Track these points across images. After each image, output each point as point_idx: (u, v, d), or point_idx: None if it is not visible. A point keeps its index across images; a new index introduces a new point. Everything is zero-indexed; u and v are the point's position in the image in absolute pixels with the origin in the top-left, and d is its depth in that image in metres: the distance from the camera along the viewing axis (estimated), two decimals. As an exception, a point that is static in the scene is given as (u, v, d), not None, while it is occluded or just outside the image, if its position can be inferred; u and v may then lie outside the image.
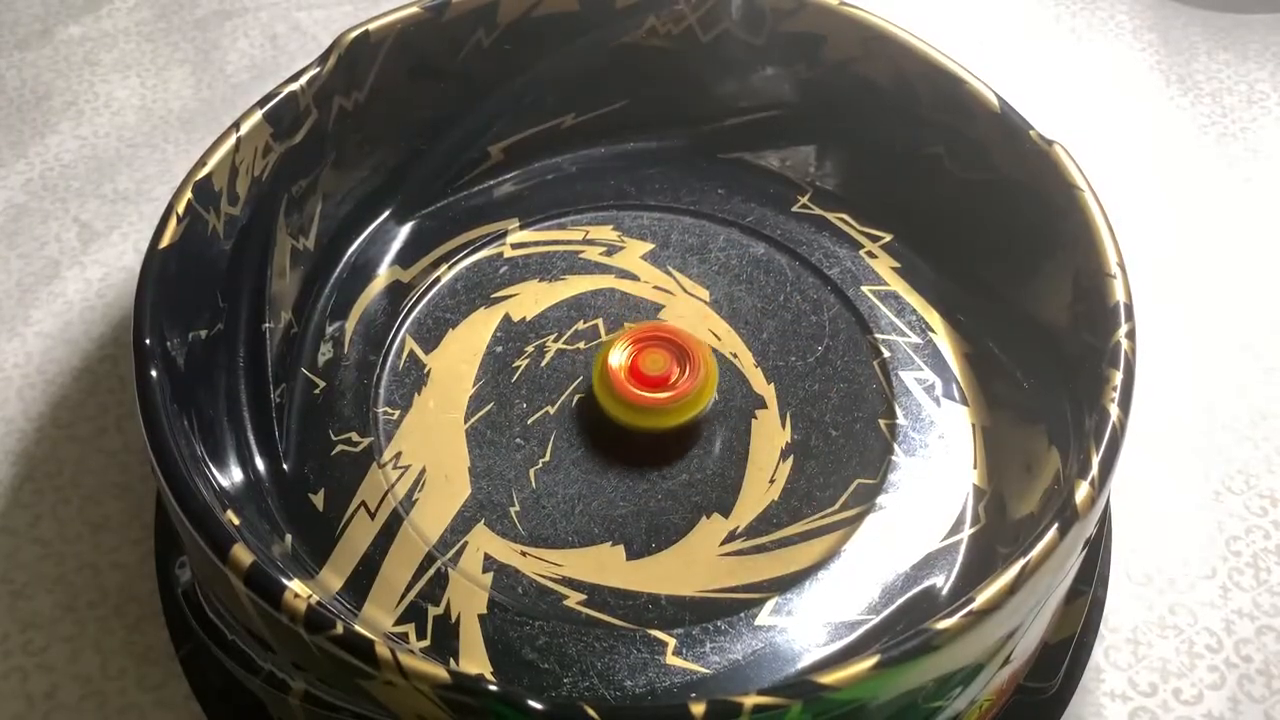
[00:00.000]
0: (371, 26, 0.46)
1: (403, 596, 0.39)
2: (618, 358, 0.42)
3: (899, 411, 0.44)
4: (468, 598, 0.39)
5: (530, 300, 0.47)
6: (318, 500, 0.41)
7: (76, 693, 0.41)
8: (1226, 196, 0.58)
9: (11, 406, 0.49)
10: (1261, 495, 0.47)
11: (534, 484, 0.42)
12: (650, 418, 0.42)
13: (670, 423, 0.42)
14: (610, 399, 0.42)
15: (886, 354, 0.46)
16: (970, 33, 0.63)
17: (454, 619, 0.39)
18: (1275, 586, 0.45)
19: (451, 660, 0.38)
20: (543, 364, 0.45)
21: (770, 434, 0.44)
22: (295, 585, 0.33)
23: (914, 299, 0.47)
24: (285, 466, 0.42)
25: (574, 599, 0.39)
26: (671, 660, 0.38)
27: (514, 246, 0.49)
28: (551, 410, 0.44)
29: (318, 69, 0.45)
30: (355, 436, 0.43)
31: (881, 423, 0.44)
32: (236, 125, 0.42)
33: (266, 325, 0.44)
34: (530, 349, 0.46)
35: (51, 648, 0.42)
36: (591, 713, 0.30)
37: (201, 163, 0.41)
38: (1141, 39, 0.65)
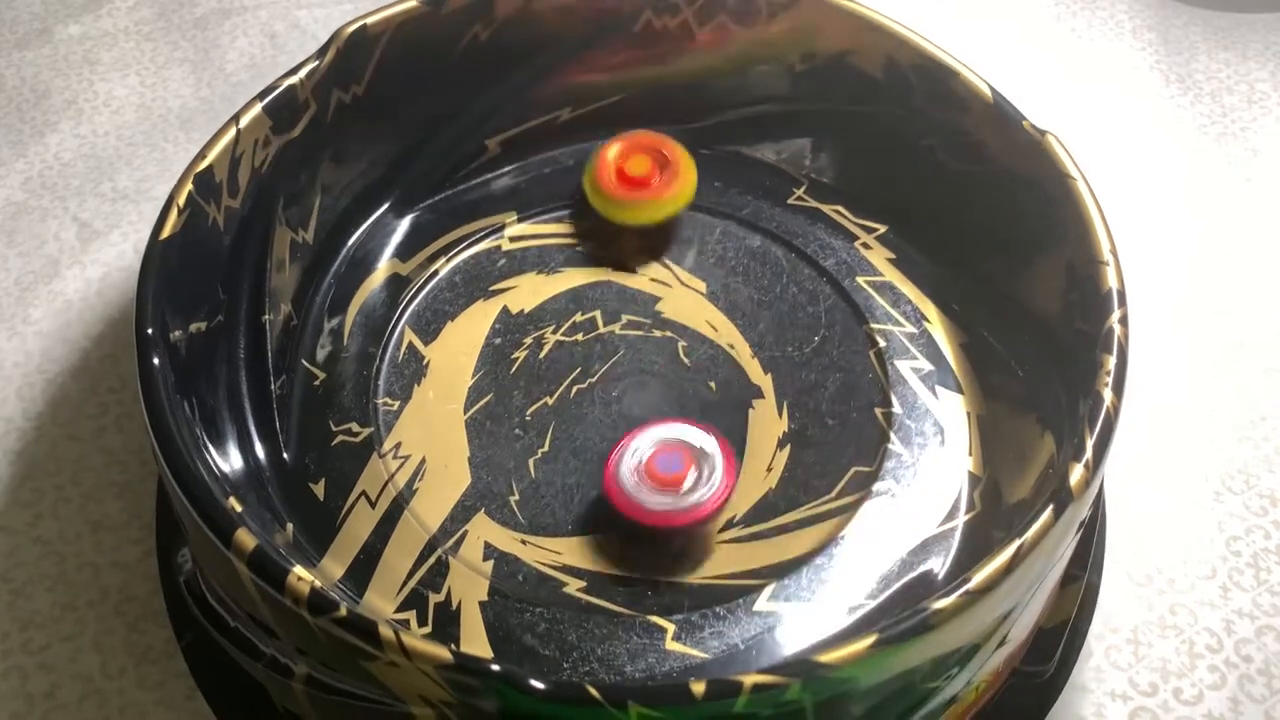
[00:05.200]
0: (370, 20, 0.46)
1: (404, 584, 0.39)
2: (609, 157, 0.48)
3: (895, 400, 0.44)
4: (468, 585, 0.39)
5: (528, 292, 0.47)
6: (318, 490, 0.42)
7: (76, 692, 0.41)
8: (1227, 196, 0.58)
9: (11, 405, 0.49)
10: (1261, 495, 0.48)
11: (533, 473, 0.42)
12: (632, 212, 0.47)
13: (650, 218, 0.48)
14: (598, 196, 0.48)
15: (882, 344, 0.46)
16: (970, 32, 0.64)
17: (455, 606, 0.39)
18: (1275, 586, 0.45)
19: (453, 646, 0.38)
20: (541, 355, 0.46)
21: (767, 423, 0.44)
22: (298, 569, 0.33)
23: (909, 289, 0.48)
24: (286, 456, 0.42)
25: (574, 586, 0.40)
26: (671, 646, 0.38)
27: (512, 239, 0.49)
28: (550, 401, 0.44)
29: (316, 62, 0.45)
30: (355, 427, 0.43)
31: (877, 411, 0.44)
32: (236, 118, 0.43)
33: (266, 317, 0.44)
34: (529, 341, 0.46)
35: (51, 647, 0.42)
36: (593, 691, 0.30)
37: (202, 155, 0.42)
38: (1141, 38, 0.65)
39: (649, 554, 0.41)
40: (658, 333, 0.46)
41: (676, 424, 0.41)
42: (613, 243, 0.49)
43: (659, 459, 0.40)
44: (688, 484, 0.40)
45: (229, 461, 0.40)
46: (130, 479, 0.46)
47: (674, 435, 0.41)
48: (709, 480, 0.40)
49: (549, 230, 0.49)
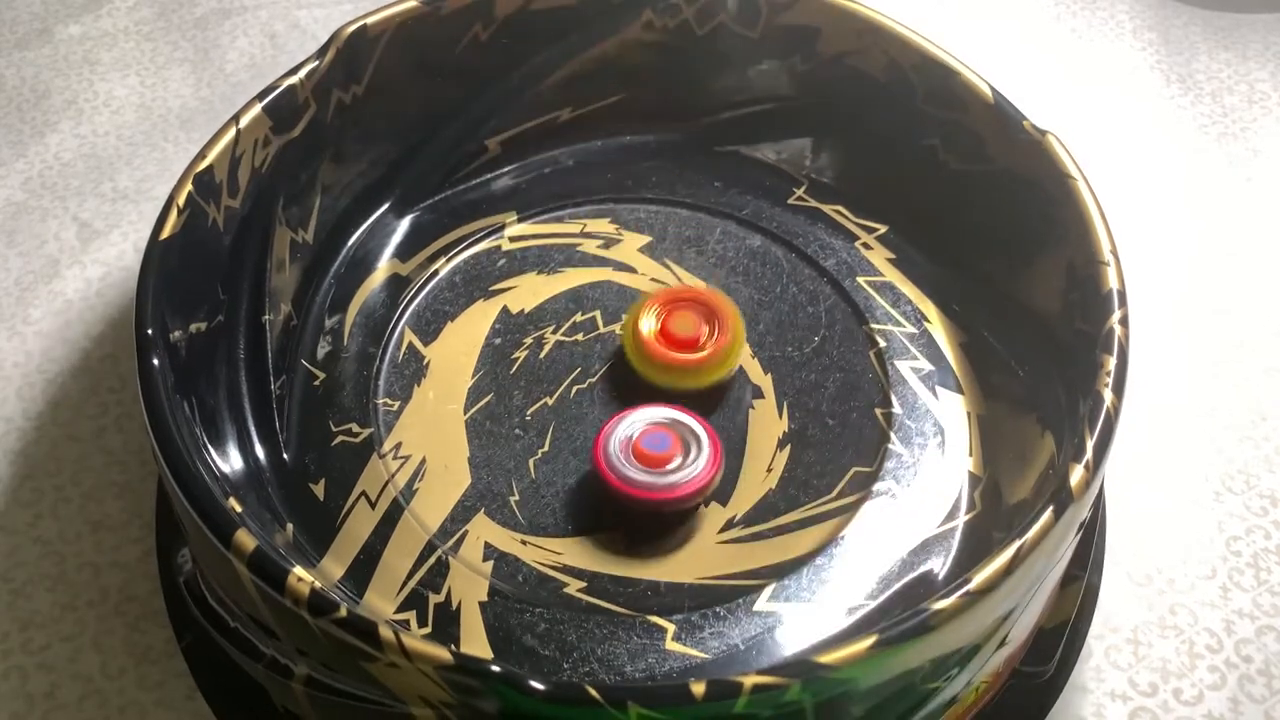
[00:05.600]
0: (369, 20, 0.46)
1: (404, 585, 0.39)
2: (648, 324, 0.44)
3: (895, 400, 0.44)
4: (468, 586, 0.39)
5: (528, 292, 0.47)
6: (318, 490, 0.42)
7: (76, 692, 0.41)
8: (1227, 196, 0.58)
9: (11, 405, 0.49)
10: (1261, 495, 0.48)
11: (533, 474, 0.42)
12: (683, 378, 0.43)
13: (701, 383, 0.44)
14: (642, 362, 0.43)
15: (882, 344, 0.46)
16: (971, 32, 0.64)
17: (455, 606, 0.39)
18: (1275, 586, 0.45)
19: (453, 647, 0.38)
20: (541, 355, 0.46)
21: (768, 423, 0.44)
22: (298, 569, 0.33)
23: (909, 289, 0.48)
24: (286, 457, 0.42)
25: (574, 586, 0.40)
26: (671, 646, 0.38)
27: (512, 239, 0.49)
28: (550, 401, 0.44)
29: (316, 62, 0.45)
30: (355, 427, 0.43)
31: (878, 412, 0.44)
32: (236, 118, 0.43)
33: (266, 317, 0.44)
34: (529, 341, 0.46)
35: (51, 647, 0.42)
36: (593, 692, 0.30)
37: (202, 155, 0.42)
38: (1142, 38, 0.65)
39: (649, 554, 0.40)
40: (658, 333, 0.46)
41: (670, 409, 0.42)
42: (613, 243, 0.49)
43: (647, 438, 0.40)
44: (673, 464, 0.40)
45: (229, 462, 0.40)
46: (130, 479, 0.46)
47: (666, 417, 0.41)
48: (694, 462, 0.40)
49: (549, 230, 0.49)
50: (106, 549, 0.44)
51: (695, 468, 0.40)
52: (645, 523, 0.41)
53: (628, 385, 0.44)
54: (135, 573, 0.44)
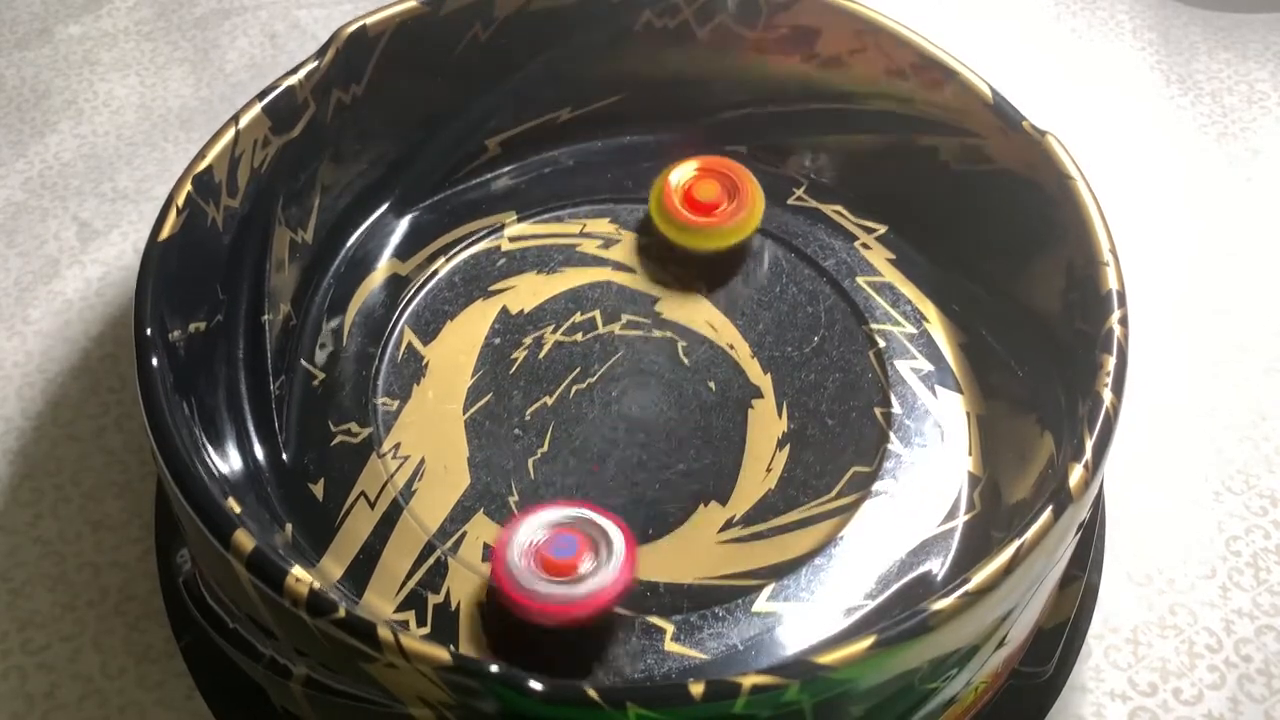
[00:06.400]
0: (369, 20, 0.46)
1: (403, 585, 0.39)
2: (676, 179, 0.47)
3: (894, 400, 0.44)
4: (467, 586, 0.39)
5: (528, 292, 0.47)
6: (317, 490, 0.42)
7: (76, 692, 0.41)
8: (1227, 196, 0.58)
9: (11, 405, 0.49)
10: (1261, 495, 0.48)
11: (532, 474, 0.42)
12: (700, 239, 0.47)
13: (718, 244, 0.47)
14: (665, 221, 0.47)
15: (882, 344, 0.46)
16: (971, 32, 0.64)
17: (454, 607, 0.39)
18: (1275, 586, 0.45)
19: (452, 647, 0.38)
20: (540, 355, 0.46)
21: (767, 423, 0.44)
22: (297, 570, 0.33)
23: (909, 289, 0.48)
24: (285, 457, 0.42)
25: (573, 587, 0.40)
26: (670, 646, 0.38)
27: (511, 239, 0.49)
28: (549, 401, 0.44)
29: (316, 62, 0.45)
30: (355, 427, 0.43)
31: (877, 411, 0.44)
32: (235, 118, 0.43)
33: (266, 317, 0.44)
34: (528, 341, 0.46)
35: (51, 647, 0.42)
36: (591, 693, 0.30)
37: (201, 155, 0.42)
38: (1141, 38, 0.65)
39: (648, 554, 0.40)
40: (657, 333, 0.46)
41: (569, 508, 0.39)
42: (613, 243, 0.49)
43: (553, 543, 0.37)
44: (583, 569, 0.37)
45: (228, 462, 0.40)
46: (130, 479, 0.46)
47: (568, 517, 0.38)
48: (607, 564, 0.37)
49: (548, 230, 0.49)
50: (106, 549, 0.44)
51: (612, 569, 0.37)
52: (644, 513, 0.41)
53: (630, 379, 0.45)
54: (135, 572, 0.44)
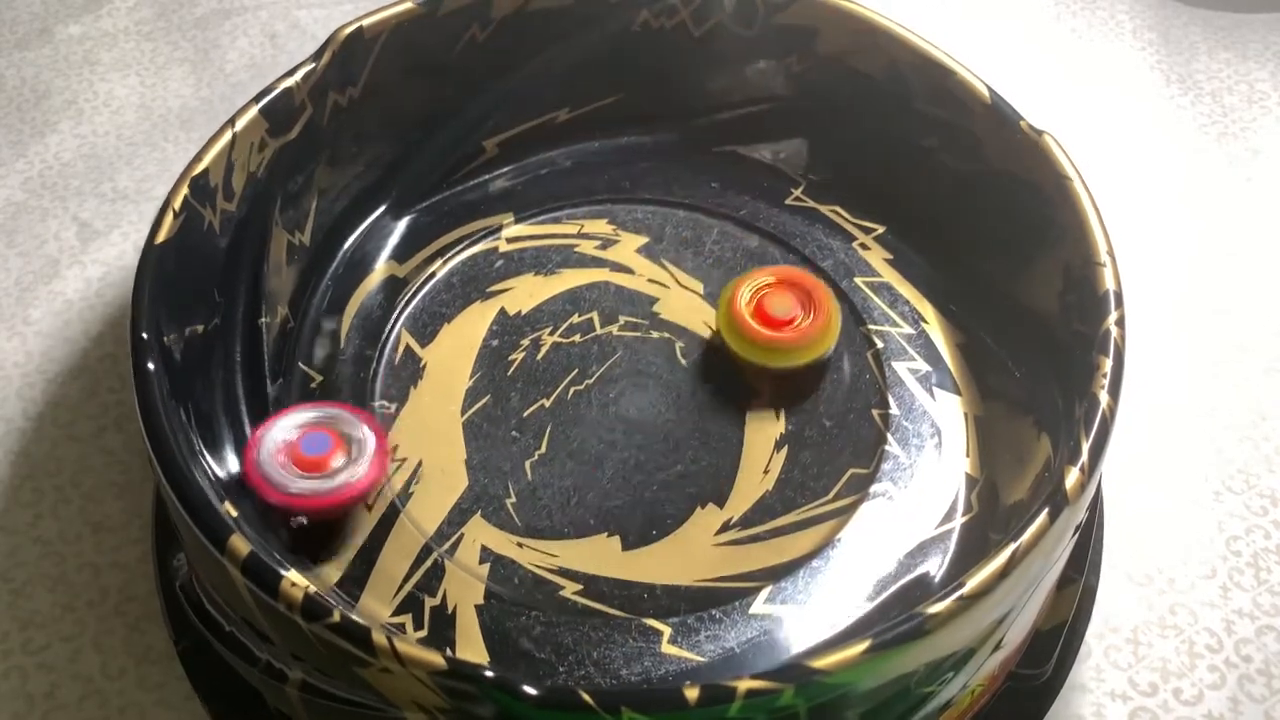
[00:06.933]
0: (366, 22, 0.46)
1: (400, 588, 0.39)
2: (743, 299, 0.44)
3: (892, 402, 0.44)
4: (464, 589, 0.39)
5: (525, 294, 0.47)
6: (315, 493, 0.42)
7: (77, 692, 0.41)
8: (1227, 196, 0.58)
9: (11, 405, 0.49)
10: (1261, 495, 0.48)
11: (530, 476, 0.42)
12: (777, 357, 0.44)
13: (797, 361, 0.44)
14: (736, 339, 0.44)
15: (879, 345, 0.46)
16: (971, 32, 0.64)
17: (451, 610, 0.39)
18: (1275, 586, 0.45)
19: (448, 650, 0.38)
20: (538, 357, 0.46)
21: (765, 425, 0.44)
22: (292, 574, 0.33)
23: (906, 290, 0.48)
24: (283, 459, 0.42)
25: (570, 589, 0.40)
26: (667, 649, 0.38)
27: (509, 241, 0.49)
28: (547, 403, 0.44)
29: (313, 65, 0.45)
30: (352, 430, 0.43)
31: (875, 413, 0.44)
32: (232, 121, 0.43)
33: (263, 320, 0.44)
34: (526, 342, 0.46)
35: (52, 647, 0.42)
36: (586, 697, 0.31)
37: (198, 158, 0.42)
38: (1141, 38, 0.65)
39: (646, 557, 0.40)
40: (655, 334, 0.46)
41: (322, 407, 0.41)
42: (610, 244, 0.49)
43: (305, 440, 0.40)
44: (335, 464, 0.40)
45: (225, 466, 0.40)
46: (130, 479, 0.47)
47: (321, 416, 0.41)
48: (358, 459, 0.40)
49: (546, 231, 0.49)
50: (107, 549, 0.45)
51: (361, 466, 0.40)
52: (641, 515, 0.41)
53: (628, 380, 0.45)
54: (135, 573, 0.44)
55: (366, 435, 0.40)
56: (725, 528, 0.41)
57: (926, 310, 0.47)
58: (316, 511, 0.39)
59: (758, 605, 0.39)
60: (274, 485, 0.39)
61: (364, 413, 0.41)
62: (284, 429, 0.40)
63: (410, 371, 0.45)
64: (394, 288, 0.47)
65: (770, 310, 0.44)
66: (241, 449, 0.41)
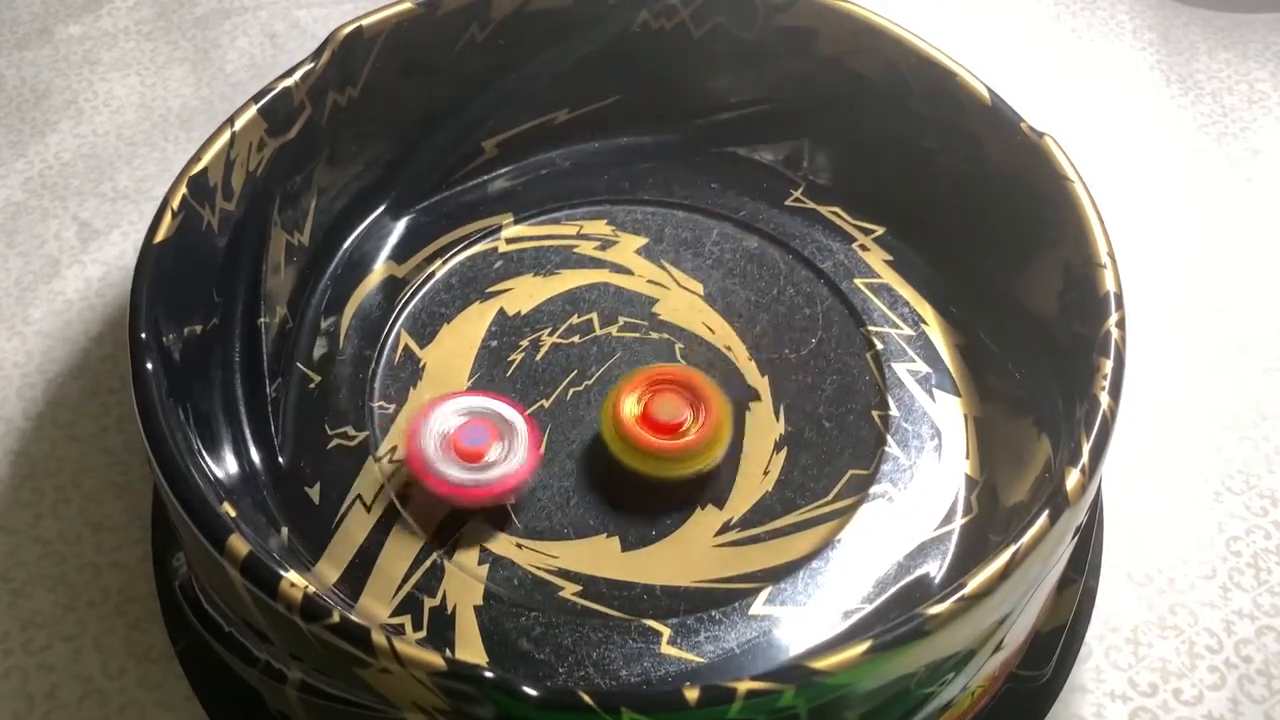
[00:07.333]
0: (365, 22, 0.46)
1: (399, 588, 0.39)
2: (629, 405, 0.41)
3: (892, 403, 0.44)
4: (464, 589, 0.39)
5: (525, 295, 0.47)
6: (313, 493, 0.42)
7: (77, 692, 0.41)
8: (1227, 196, 0.58)
9: (11, 405, 0.49)
10: (1261, 495, 0.48)
11: (528, 476, 0.42)
12: (664, 466, 0.41)
13: (684, 471, 0.41)
14: (621, 446, 0.41)
15: (879, 346, 0.46)
16: (970, 33, 0.64)
17: (450, 610, 0.39)
18: (1275, 586, 0.45)
19: (447, 651, 0.38)
20: (538, 358, 0.46)
21: (764, 426, 0.44)
22: (291, 575, 0.33)
23: (906, 291, 0.48)
24: (281, 460, 0.42)
25: (569, 590, 0.40)
26: (666, 650, 0.38)
27: (508, 241, 0.49)
28: (546, 404, 0.44)
29: (312, 64, 0.45)
30: (351, 430, 0.43)
31: (874, 414, 0.44)
32: (231, 121, 0.43)
33: (262, 320, 0.44)
34: (525, 343, 0.46)
35: (52, 647, 0.42)
36: (585, 698, 0.30)
37: (196, 158, 0.42)
38: (1141, 38, 0.65)
39: (645, 557, 0.40)
40: (655, 335, 0.46)
41: (482, 396, 0.42)
42: (610, 245, 0.49)
43: (465, 431, 0.40)
44: (491, 456, 0.40)
45: (224, 466, 0.40)
46: (131, 479, 0.47)
47: (480, 407, 0.41)
48: (511, 455, 0.40)
49: (546, 232, 0.49)
50: (107, 549, 0.45)
51: (515, 460, 0.40)
52: (641, 516, 0.41)
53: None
54: (135, 573, 0.44)
55: (521, 429, 0.40)
56: (725, 529, 0.41)
57: (926, 311, 0.47)
58: (472, 502, 0.40)
59: (757, 606, 0.39)
60: (436, 475, 0.39)
61: (519, 406, 0.42)
62: (443, 418, 0.40)
63: (409, 372, 0.45)
64: (393, 288, 0.47)
65: (657, 415, 0.41)
66: (241, 449, 0.41)
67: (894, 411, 0.44)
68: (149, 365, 0.37)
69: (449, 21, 0.48)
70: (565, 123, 0.52)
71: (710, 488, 0.42)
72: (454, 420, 0.40)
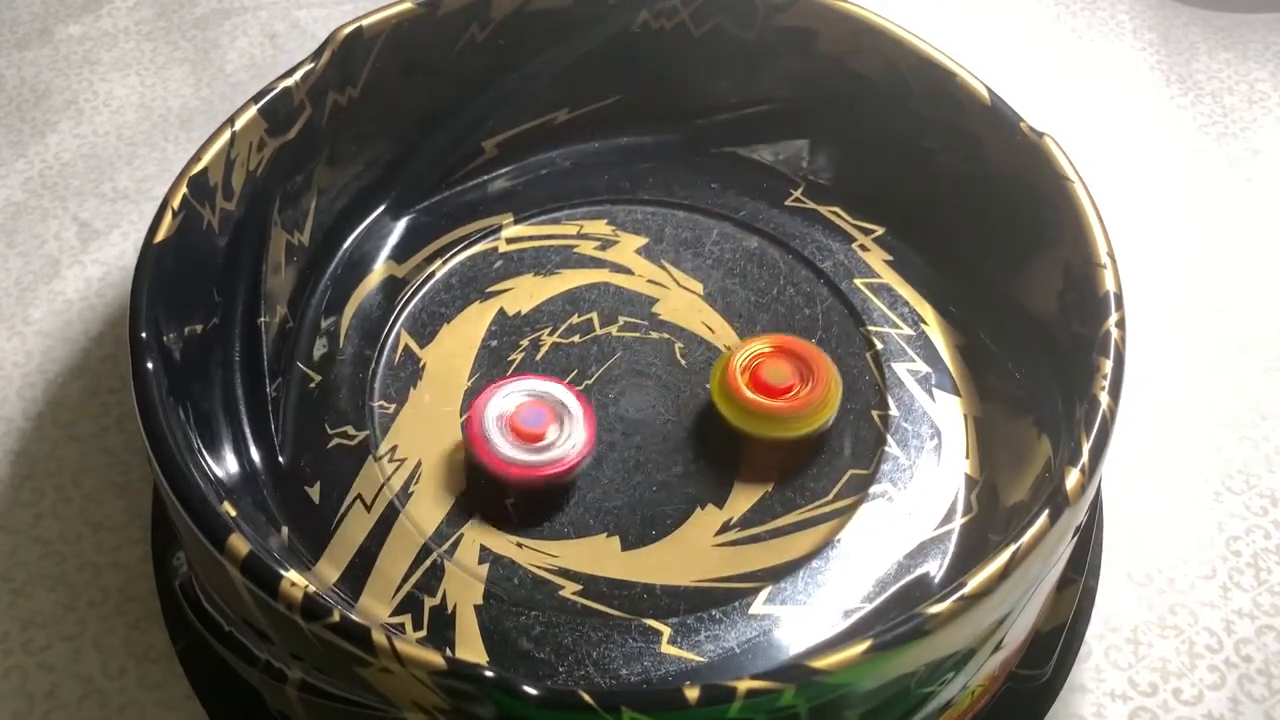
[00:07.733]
0: (365, 22, 0.46)
1: (399, 588, 0.39)
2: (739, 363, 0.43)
3: (891, 403, 0.44)
4: (464, 589, 0.39)
5: (525, 294, 0.47)
6: (314, 493, 0.42)
7: (77, 692, 0.41)
8: (1227, 196, 0.58)
9: (11, 405, 0.49)
10: (1261, 495, 0.48)
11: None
12: (772, 426, 0.42)
13: (793, 433, 0.42)
14: (730, 406, 0.42)
15: (879, 346, 0.46)
16: (970, 33, 0.64)
17: (450, 610, 0.39)
18: (1275, 586, 0.45)
19: (448, 651, 0.38)
20: (538, 358, 0.46)
21: (764, 425, 0.44)
22: (292, 574, 0.33)
23: (906, 291, 0.48)
24: (281, 460, 0.42)
25: (569, 589, 0.40)
26: (666, 649, 0.38)
27: (508, 241, 0.49)
28: (546, 403, 0.44)
29: (312, 64, 0.45)
30: (351, 430, 0.43)
31: (874, 414, 0.44)
32: (231, 121, 0.43)
33: (262, 320, 0.44)
34: (525, 343, 0.46)
35: (52, 647, 0.42)
36: (586, 697, 0.30)
37: (196, 158, 0.42)
38: (1141, 38, 0.65)
39: (645, 557, 0.40)
40: (654, 334, 0.46)
41: (539, 380, 0.43)
42: (610, 245, 0.49)
43: (523, 414, 0.41)
44: (549, 438, 0.41)
45: (224, 465, 0.40)
46: (131, 479, 0.47)
47: (539, 390, 0.42)
48: (569, 437, 0.41)
49: (546, 232, 0.49)
50: (107, 549, 0.45)
51: (574, 443, 0.41)
52: (641, 515, 0.41)
53: (627, 381, 0.45)
54: (136, 573, 0.44)
55: (578, 412, 0.41)
56: (725, 528, 0.41)
57: (926, 311, 0.47)
58: (528, 483, 0.41)
59: (757, 605, 0.39)
60: (497, 454, 0.40)
61: (576, 390, 0.42)
62: (502, 400, 0.41)
63: (409, 371, 0.45)
64: (393, 288, 0.47)
65: (766, 379, 0.42)
66: (241, 448, 0.41)
67: (894, 411, 0.44)
68: (149, 365, 0.37)
69: (449, 21, 0.48)
70: (565, 123, 0.52)
71: (711, 487, 0.42)
72: (514, 400, 0.41)
